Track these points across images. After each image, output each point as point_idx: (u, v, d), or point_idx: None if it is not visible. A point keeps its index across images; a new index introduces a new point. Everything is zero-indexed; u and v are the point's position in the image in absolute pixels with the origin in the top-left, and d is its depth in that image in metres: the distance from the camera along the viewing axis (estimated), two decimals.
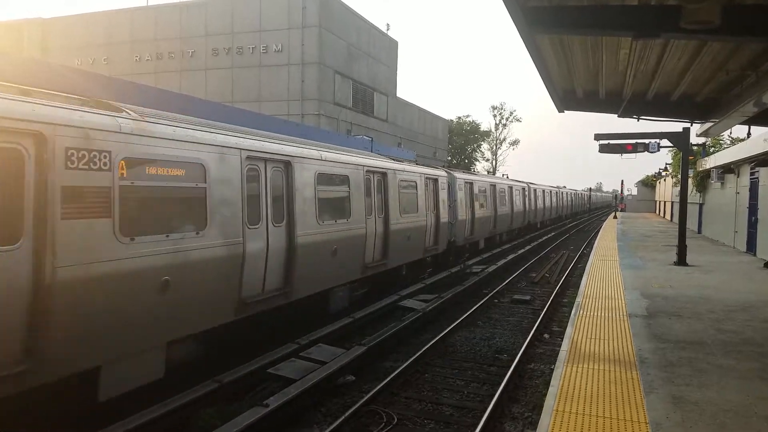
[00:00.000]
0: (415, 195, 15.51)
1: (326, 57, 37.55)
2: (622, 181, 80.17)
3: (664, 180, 48.85)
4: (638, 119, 15.19)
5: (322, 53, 37.05)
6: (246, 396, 7.69)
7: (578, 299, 11.63)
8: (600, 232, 33.62)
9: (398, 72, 49.03)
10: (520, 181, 36.08)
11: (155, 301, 6.55)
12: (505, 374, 8.58)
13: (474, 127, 77.82)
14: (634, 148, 17.40)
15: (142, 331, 6.44)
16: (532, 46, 9.32)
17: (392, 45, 48.30)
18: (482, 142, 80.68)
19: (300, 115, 36.64)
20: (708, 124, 15.21)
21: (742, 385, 6.55)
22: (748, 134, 21.11)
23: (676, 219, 33.38)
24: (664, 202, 50.86)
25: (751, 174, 20.14)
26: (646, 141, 17.40)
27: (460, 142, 75.43)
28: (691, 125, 16.36)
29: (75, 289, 5.58)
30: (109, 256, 5.94)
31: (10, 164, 5.17)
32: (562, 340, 8.99)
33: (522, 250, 25.35)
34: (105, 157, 5.93)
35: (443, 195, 18.13)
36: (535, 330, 11.38)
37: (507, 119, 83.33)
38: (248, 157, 8.32)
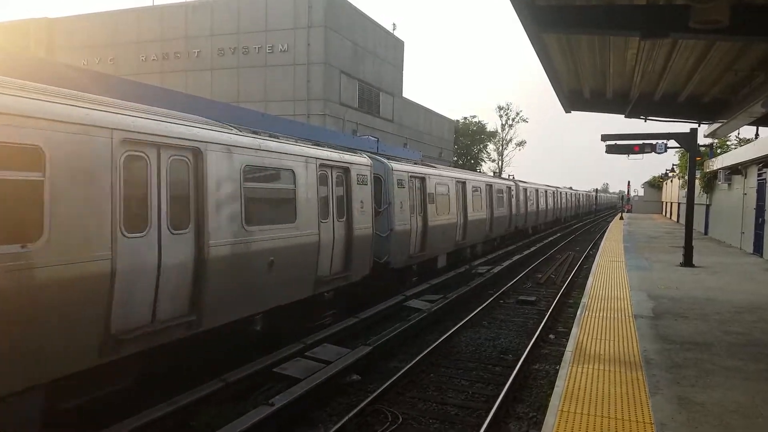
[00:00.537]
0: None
1: (332, 57, 37.59)
2: (629, 182, 79.85)
3: (671, 181, 48.64)
4: (645, 120, 15.13)
5: (327, 53, 37.09)
6: (251, 395, 7.70)
7: (584, 300, 11.59)
8: (606, 234, 33.50)
9: (404, 72, 49.07)
10: (504, 179, 31.19)
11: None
12: (510, 374, 8.57)
13: (480, 128, 77.71)
14: (641, 149, 17.34)
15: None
16: (539, 46, 9.30)
17: (398, 45, 48.31)
18: (488, 143, 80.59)
19: (306, 115, 36.70)
20: (716, 125, 15.14)
21: (749, 386, 6.52)
22: (756, 135, 20.99)
23: (682, 220, 33.23)
24: (671, 203, 50.64)
25: (759, 175, 20.02)
26: (654, 142, 17.33)
27: (466, 143, 75.33)
28: (699, 126, 16.29)
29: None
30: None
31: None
32: (567, 341, 8.97)
33: (528, 251, 25.28)
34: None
35: (360, 193, 11.92)
36: (541, 331, 11.35)
37: (513, 120, 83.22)
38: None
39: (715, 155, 27.86)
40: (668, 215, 53.35)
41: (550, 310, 13.25)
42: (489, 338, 11.26)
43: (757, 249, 20.04)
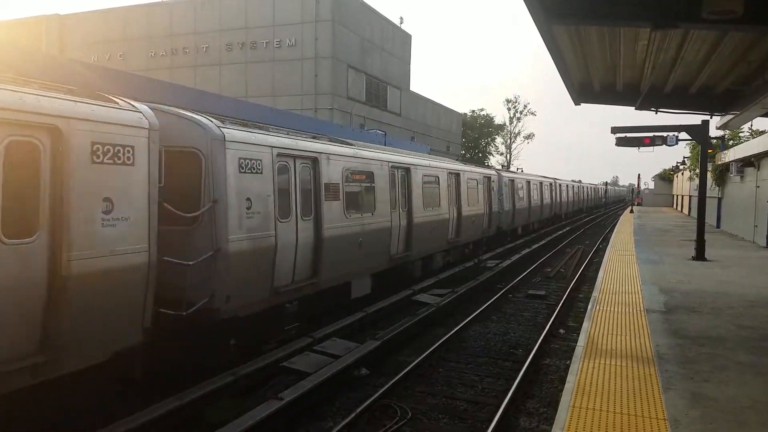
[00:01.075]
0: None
1: (340, 51, 37.50)
2: (639, 174, 79.14)
3: (682, 174, 48.19)
4: (656, 112, 14.93)
5: (335, 47, 37.00)
6: (261, 389, 7.71)
7: (594, 294, 11.50)
8: (616, 227, 33.27)
9: (411, 66, 48.90)
10: (484, 167, 26.89)
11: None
12: (520, 369, 8.52)
13: (488, 121, 77.32)
14: (652, 142, 17.14)
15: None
16: (549, 38, 9.18)
17: (405, 39, 48.11)
18: (496, 136, 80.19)
19: (313, 109, 36.69)
20: (728, 117, 14.93)
21: (763, 381, 6.43)
22: None
23: (694, 213, 32.94)
24: (682, 196, 50.17)
25: None
26: (664, 134, 17.12)
27: (474, 136, 75.00)
28: (711, 118, 16.07)
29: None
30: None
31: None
32: (577, 336, 8.90)
33: (536, 245, 25.16)
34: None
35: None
36: (551, 325, 11.28)
37: (521, 113, 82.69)
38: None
39: (727, 147, 27.55)
40: (679, 208, 52.90)
41: (560, 305, 13.18)
42: (498, 333, 11.21)
43: None
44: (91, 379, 5.98)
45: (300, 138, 9.91)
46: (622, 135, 17.23)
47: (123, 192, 6.14)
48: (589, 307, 10.38)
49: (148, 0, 41.66)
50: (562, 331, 11.47)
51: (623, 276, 13.74)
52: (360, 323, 10.83)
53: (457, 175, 18.07)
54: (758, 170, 21.74)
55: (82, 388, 5.92)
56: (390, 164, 13.14)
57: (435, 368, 8.98)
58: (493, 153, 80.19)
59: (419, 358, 8.98)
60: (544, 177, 38.02)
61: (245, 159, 8.11)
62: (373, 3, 41.96)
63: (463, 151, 68.40)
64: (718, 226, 30.58)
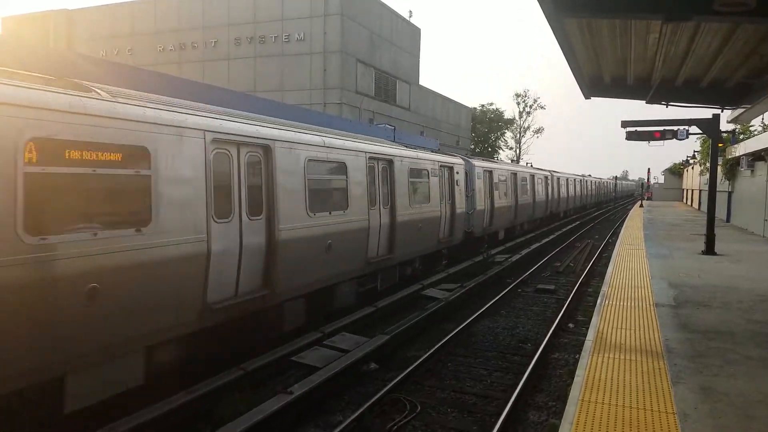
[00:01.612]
0: None
1: (348, 45, 37.43)
2: (649, 169, 78.51)
3: (692, 168, 47.81)
4: (667, 105, 14.84)
5: (344, 41, 36.93)
6: (270, 383, 7.77)
7: (604, 288, 11.47)
8: (626, 222, 33.10)
9: (421, 60, 48.73)
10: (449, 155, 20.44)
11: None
12: (529, 364, 8.53)
13: (498, 115, 76.99)
14: (662, 135, 17.02)
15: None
16: (560, 31, 9.14)
17: (415, 32, 47.93)
18: (506, 131, 79.85)
19: (322, 104, 36.68)
20: (739, 110, 14.82)
21: None
22: None
23: (704, 207, 32.67)
24: (692, 190, 49.80)
25: None
26: (675, 128, 17.00)
27: (484, 131, 74.74)
28: (722, 111, 15.93)
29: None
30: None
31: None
32: (586, 330, 8.89)
33: (546, 239, 25.08)
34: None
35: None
36: (560, 319, 11.27)
37: (531, 107, 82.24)
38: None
39: (738, 141, 27.29)
40: (689, 203, 52.52)
41: (569, 299, 13.16)
42: (507, 327, 11.21)
43: None
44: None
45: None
46: (633, 129, 17.12)
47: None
48: (599, 301, 10.36)
49: None
50: (571, 325, 11.46)
51: (633, 270, 13.68)
52: (369, 318, 10.87)
53: (390, 162, 12.57)
54: None
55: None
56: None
57: (444, 363, 9.01)
58: (503, 147, 79.95)
59: (428, 353, 9.01)
60: (538, 169, 33.39)
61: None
62: None
63: (473, 146, 68.18)
64: (728, 221, 30.35)
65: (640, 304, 10.02)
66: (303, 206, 9.04)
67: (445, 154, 18.13)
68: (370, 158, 11.61)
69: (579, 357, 7.46)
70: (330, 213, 9.84)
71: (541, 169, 34.38)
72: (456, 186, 16.73)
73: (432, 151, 17.46)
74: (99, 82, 6.86)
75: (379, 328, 10.13)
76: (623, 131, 17.14)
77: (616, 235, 26.78)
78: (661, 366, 6.70)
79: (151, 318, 6.34)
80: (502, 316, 12.18)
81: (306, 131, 9.76)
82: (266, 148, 8.33)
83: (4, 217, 4.89)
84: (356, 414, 6.74)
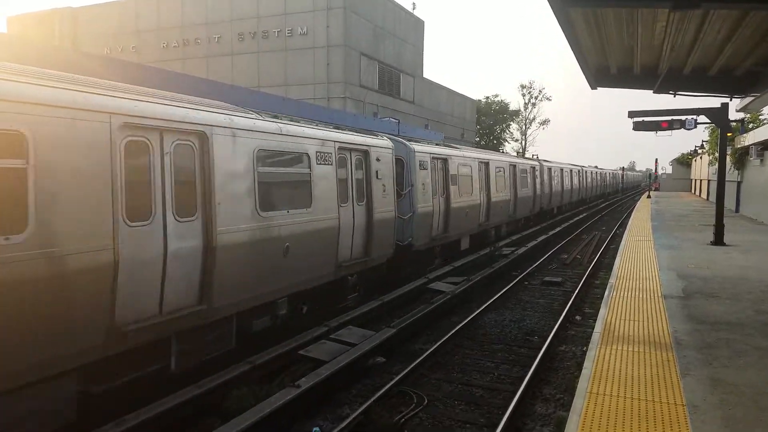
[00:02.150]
0: None
1: (352, 39, 37.31)
2: (656, 159, 78.19)
3: (700, 158, 47.46)
4: (675, 95, 14.67)
5: (347, 35, 36.80)
6: (278, 377, 7.78)
7: (611, 280, 11.41)
8: (633, 213, 32.92)
9: (425, 52, 48.48)
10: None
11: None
12: (536, 356, 8.50)
13: (503, 107, 76.67)
14: (670, 125, 16.88)
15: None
16: (565, 21, 9.03)
17: (418, 25, 47.70)
18: (511, 123, 79.51)
19: (326, 98, 36.61)
20: (748, 99, 14.63)
21: None
22: None
23: (712, 198, 32.46)
24: (700, 180, 49.46)
25: None
26: (683, 117, 16.85)
27: (489, 123, 74.45)
28: (731, 100, 15.75)
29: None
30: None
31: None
32: (594, 322, 8.84)
33: (552, 232, 24.98)
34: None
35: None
36: (567, 312, 11.22)
37: (536, 98, 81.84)
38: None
39: (747, 130, 27.03)
40: (697, 193, 52.17)
41: (577, 291, 13.10)
42: (514, 320, 11.18)
43: None
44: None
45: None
46: (640, 119, 16.99)
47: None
48: (606, 293, 10.31)
49: None
50: (578, 317, 11.41)
51: (641, 262, 13.60)
52: (376, 312, 10.86)
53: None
54: None
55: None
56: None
57: (451, 356, 8.99)
58: (508, 140, 79.65)
59: (435, 346, 8.99)
60: (523, 158, 29.87)
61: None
62: None
63: (478, 138, 67.93)
64: (737, 211, 30.13)
65: (649, 295, 9.96)
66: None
67: (357, 132, 12.07)
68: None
69: (586, 349, 7.42)
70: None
71: (529, 159, 30.29)
72: (376, 179, 11.65)
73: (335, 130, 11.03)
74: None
75: (386, 322, 10.12)
76: (630, 121, 17.03)
77: (623, 226, 26.64)
78: (669, 357, 6.65)
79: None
80: (508, 308, 12.14)
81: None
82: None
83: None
84: (363, 407, 6.74)
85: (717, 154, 18.04)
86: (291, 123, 9.30)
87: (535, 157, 38.23)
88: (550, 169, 31.90)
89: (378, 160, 11.80)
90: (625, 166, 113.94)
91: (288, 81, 37.74)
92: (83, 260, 5.45)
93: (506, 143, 78.20)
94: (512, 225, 24.29)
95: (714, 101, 16.08)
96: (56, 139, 5.28)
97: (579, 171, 44.54)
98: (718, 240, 16.73)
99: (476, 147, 47.72)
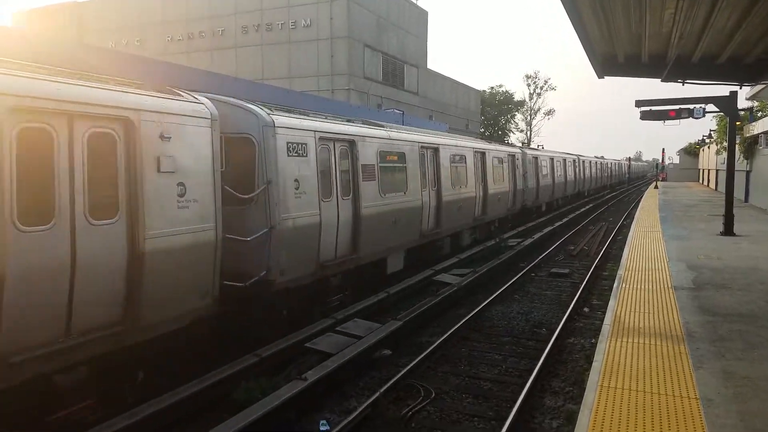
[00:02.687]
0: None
1: (355, 30, 37.09)
2: (663, 149, 77.46)
3: (708, 147, 47.05)
4: (683, 83, 14.48)
5: (351, 26, 36.59)
6: (285, 369, 7.74)
7: (620, 272, 11.30)
8: (641, 203, 32.70)
9: (428, 43, 48.21)
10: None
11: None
12: (545, 348, 8.43)
13: (507, 98, 76.22)
14: (678, 114, 16.67)
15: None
16: (572, 10, 8.90)
17: (422, 15, 47.38)
18: (516, 113, 79.09)
19: (330, 90, 36.46)
20: (758, 87, 14.48)
21: None
22: None
23: (720, 188, 32.19)
24: (708, 170, 49.07)
25: None
26: (691, 106, 16.64)
27: (493, 114, 74.06)
28: (740, 88, 15.55)
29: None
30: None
31: None
32: (602, 315, 8.77)
33: (559, 223, 24.84)
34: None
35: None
36: (575, 303, 11.14)
37: (541, 88, 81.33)
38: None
39: (756, 119, 26.72)
40: (705, 183, 51.78)
41: (584, 283, 13.00)
42: (521, 312, 11.10)
43: None
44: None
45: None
46: (647, 108, 16.79)
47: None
48: (615, 284, 10.20)
49: None
50: (586, 309, 11.32)
51: (649, 253, 13.48)
52: (382, 304, 10.80)
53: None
54: None
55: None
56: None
57: (458, 348, 8.93)
58: (513, 130, 79.24)
59: (441, 338, 8.93)
60: (503, 145, 25.14)
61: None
62: None
63: (482, 129, 67.63)
64: (746, 201, 29.85)
65: (658, 287, 9.85)
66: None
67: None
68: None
69: (595, 342, 7.35)
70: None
71: (513, 146, 27.08)
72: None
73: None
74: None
75: (392, 314, 10.07)
76: (637, 111, 16.84)
77: (631, 217, 26.47)
78: (682, 350, 6.56)
79: None
80: (515, 300, 12.06)
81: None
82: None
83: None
84: (371, 399, 6.69)
85: (725, 144, 17.82)
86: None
87: (540, 147, 36.54)
88: (536, 158, 27.00)
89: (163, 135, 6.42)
90: (632, 156, 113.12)
91: (292, 73, 37.61)
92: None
93: (511, 134, 77.85)
94: (482, 229, 19.06)
95: (722, 90, 15.87)
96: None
97: (575, 161, 39.47)
98: (728, 230, 16.56)
99: (481, 137, 43.64)
